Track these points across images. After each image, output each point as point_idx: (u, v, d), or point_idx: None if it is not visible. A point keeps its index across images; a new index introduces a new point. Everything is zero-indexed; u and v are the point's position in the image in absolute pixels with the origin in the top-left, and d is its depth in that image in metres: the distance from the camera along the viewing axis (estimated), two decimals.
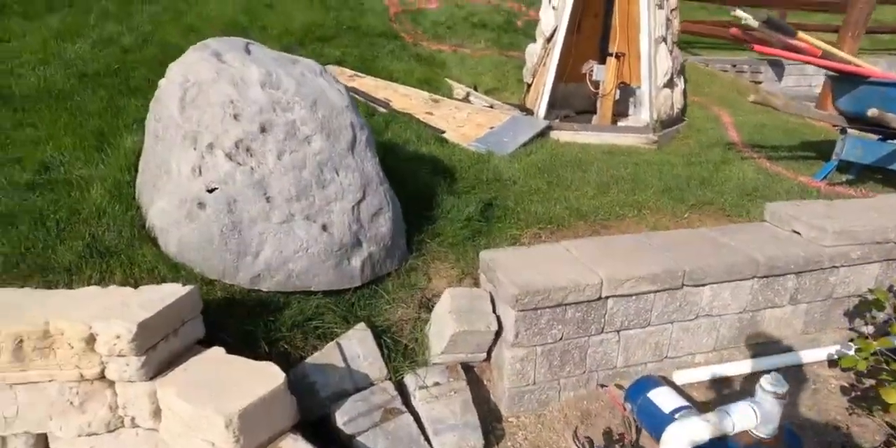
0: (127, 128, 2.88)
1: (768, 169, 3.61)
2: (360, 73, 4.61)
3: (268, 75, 2.09)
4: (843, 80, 3.02)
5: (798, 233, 2.46)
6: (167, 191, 2.10)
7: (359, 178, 2.18)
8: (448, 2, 7.85)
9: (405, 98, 4.27)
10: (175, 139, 2.07)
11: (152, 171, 2.20)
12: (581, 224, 2.72)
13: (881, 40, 9.09)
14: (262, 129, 2.07)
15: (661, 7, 4.00)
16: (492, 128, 3.92)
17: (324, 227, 2.08)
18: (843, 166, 3.48)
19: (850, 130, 3.22)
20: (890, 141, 3.10)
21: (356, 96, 4.20)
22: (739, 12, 2.69)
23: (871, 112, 2.52)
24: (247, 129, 2.05)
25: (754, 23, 2.66)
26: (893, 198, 2.94)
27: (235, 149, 2.05)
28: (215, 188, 2.02)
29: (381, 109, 4.02)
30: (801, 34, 2.78)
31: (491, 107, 4.31)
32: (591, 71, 4.52)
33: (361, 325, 2.01)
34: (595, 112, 4.67)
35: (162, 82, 2.20)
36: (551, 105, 4.54)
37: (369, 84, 4.39)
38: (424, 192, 2.80)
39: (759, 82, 6.71)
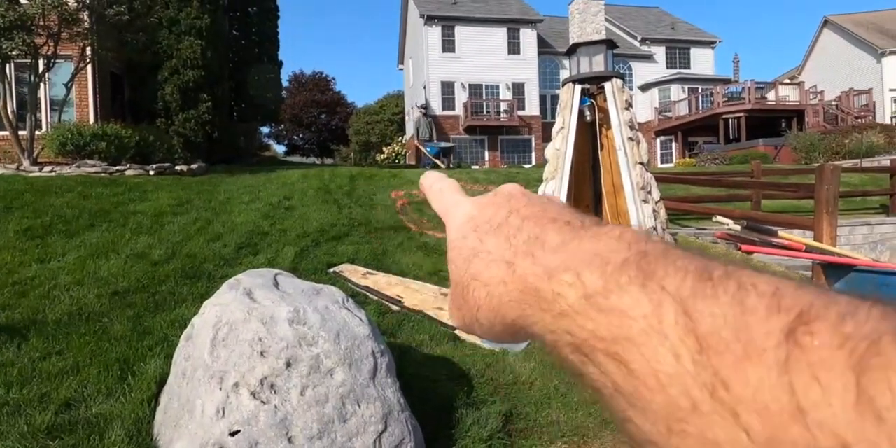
0: (151, 351, 2.97)
1: None
2: (372, 271, 4.90)
3: (295, 312, 2.24)
4: (833, 268, 3.19)
5: None
6: (188, 432, 2.07)
7: (380, 408, 2.17)
8: None
9: (416, 293, 4.46)
10: (202, 379, 2.12)
11: (175, 409, 2.20)
12: (607, 434, 2.60)
13: (854, 201, 9.86)
14: (288, 365, 2.13)
15: (646, 202, 4.45)
16: None
17: None
18: None
19: None
20: None
21: (370, 295, 4.40)
22: (721, 218, 2.99)
23: None
24: (272, 366, 2.11)
25: (736, 227, 2.92)
26: None
27: (260, 386, 2.08)
28: (238, 431, 1.99)
29: (394, 307, 4.17)
30: (781, 233, 3.03)
31: None
32: None
33: None
34: None
35: (196, 321, 2.34)
36: None
37: (382, 282, 4.64)
38: (444, 406, 2.74)
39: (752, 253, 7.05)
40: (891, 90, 24.98)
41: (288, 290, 2.43)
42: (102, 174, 8.37)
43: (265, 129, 33.26)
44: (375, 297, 4.36)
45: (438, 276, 5.25)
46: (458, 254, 0.28)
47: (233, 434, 1.99)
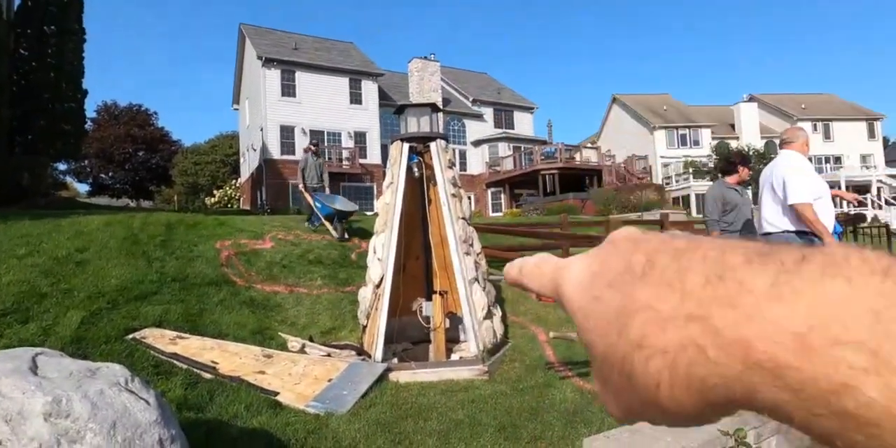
0: None
1: (582, 388, 3.98)
2: (183, 334, 4.34)
3: (55, 403, 1.84)
4: None
5: None
6: None
7: None
8: (283, 240, 8.27)
9: (235, 357, 4.05)
10: None
11: None
12: None
13: None
14: None
15: (468, 254, 4.72)
16: (330, 380, 3.82)
17: None
18: None
19: None
20: None
21: (177, 363, 3.87)
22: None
23: None
24: None
25: None
26: None
27: None
28: None
29: (207, 376, 3.72)
30: None
31: (328, 355, 4.28)
32: (421, 308, 4.90)
33: None
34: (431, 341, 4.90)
35: None
36: (388, 341, 4.68)
37: (194, 346, 4.13)
38: None
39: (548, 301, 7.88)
40: (661, 157, 30.89)
41: (50, 374, 2.00)
42: None
43: (62, 166, 28.63)
44: (184, 365, 3.85)
45: (263, 334, 4.86)
46: (600, 319, 0.21)
47: None
